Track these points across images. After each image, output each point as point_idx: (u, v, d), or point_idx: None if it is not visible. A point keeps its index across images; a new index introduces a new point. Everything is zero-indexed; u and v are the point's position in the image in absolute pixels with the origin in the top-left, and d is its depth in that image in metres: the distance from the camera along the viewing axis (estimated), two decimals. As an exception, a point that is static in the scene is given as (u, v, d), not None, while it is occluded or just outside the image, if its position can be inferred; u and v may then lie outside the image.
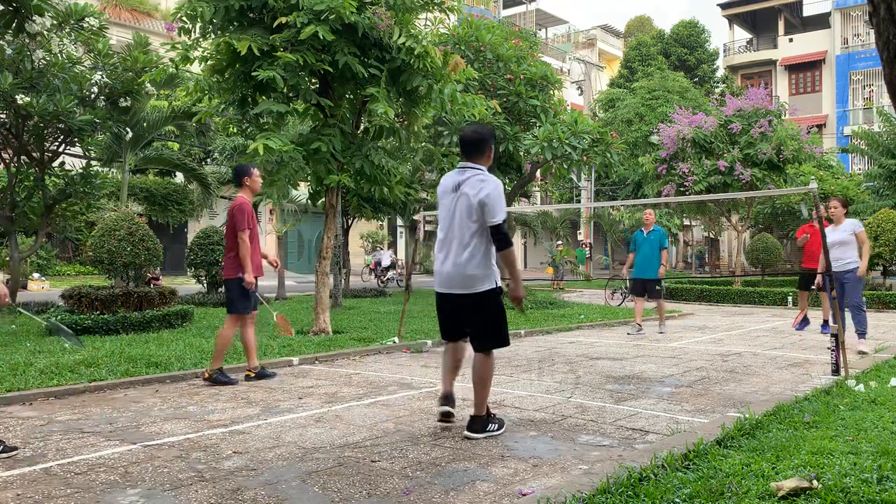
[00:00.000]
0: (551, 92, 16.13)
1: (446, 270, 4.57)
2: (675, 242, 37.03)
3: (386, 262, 26.00)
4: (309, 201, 11.43)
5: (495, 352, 4.70)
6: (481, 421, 4.55)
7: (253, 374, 6.59)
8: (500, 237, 4.45)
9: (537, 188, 28.36)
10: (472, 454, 4.15)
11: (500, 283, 4.60)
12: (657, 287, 10.88)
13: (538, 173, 17.76)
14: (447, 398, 4.79)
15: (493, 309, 4.57)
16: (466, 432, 4.52)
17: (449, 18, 10.43)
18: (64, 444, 4.36)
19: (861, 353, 7.91)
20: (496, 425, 4.60)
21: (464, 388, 6.22)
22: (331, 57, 8.37)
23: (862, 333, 8.20)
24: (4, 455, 4.03)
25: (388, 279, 25.33)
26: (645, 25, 52.11)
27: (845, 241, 8.03)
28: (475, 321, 4.59)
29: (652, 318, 12.11)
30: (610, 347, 9.05)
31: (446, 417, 4.80)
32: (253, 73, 8.14)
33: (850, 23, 40.22)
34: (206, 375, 6.39)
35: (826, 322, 11.17)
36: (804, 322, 11.22)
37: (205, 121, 10.92)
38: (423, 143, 11.63)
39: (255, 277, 6.57)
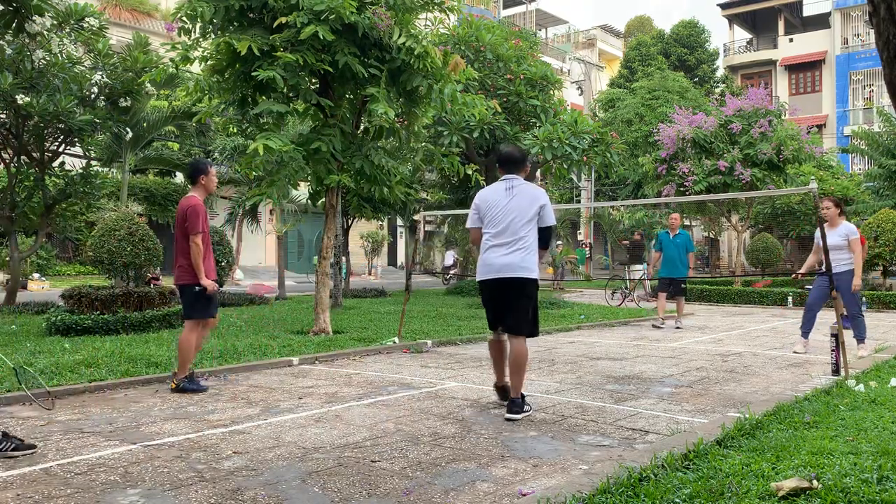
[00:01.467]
0: (551, 92, 16.13)
1: (501, 261, 5.16)
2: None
3: (449, 262, 28.72)
4: (309, 201, 11.43)
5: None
6: (518, 403, 5.05)
7: (176, 385, 6.00)
8: (549, 237, 5.23)
9: (537, 188, 28.47)
10: (472, 454, 4.15)
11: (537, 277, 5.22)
12: (682, 286, 12.03)
13: (538, 173, 17.75)
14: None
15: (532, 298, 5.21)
16: (507, 414, 5.02)
17: (449, 18, 10.42)
18: (64, 444, 4.36)
19: (860, 357, 7.89)
20: (529, 406, 5.18)
21: (465, 386, 6.22)
22: (331, 57, 8.36)
23: (861, 339, 8.15)
24: (25, 452, 4.09)
25: (450, 277, 27.05)
26: (645, 25, 52.06)
27: (840, 246, 8.01)
28: (514, 307, 5.18)
29: (669, 316, 12.52)
30: (610, 348, 9.05)
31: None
32: (253, 73, 8.14)
33: (850, 23, 40.18)
34: (174, 385, 5.99)
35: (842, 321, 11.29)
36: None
37: (205, 121, 10.93)
38: (423, 143, 11.62)
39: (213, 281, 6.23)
